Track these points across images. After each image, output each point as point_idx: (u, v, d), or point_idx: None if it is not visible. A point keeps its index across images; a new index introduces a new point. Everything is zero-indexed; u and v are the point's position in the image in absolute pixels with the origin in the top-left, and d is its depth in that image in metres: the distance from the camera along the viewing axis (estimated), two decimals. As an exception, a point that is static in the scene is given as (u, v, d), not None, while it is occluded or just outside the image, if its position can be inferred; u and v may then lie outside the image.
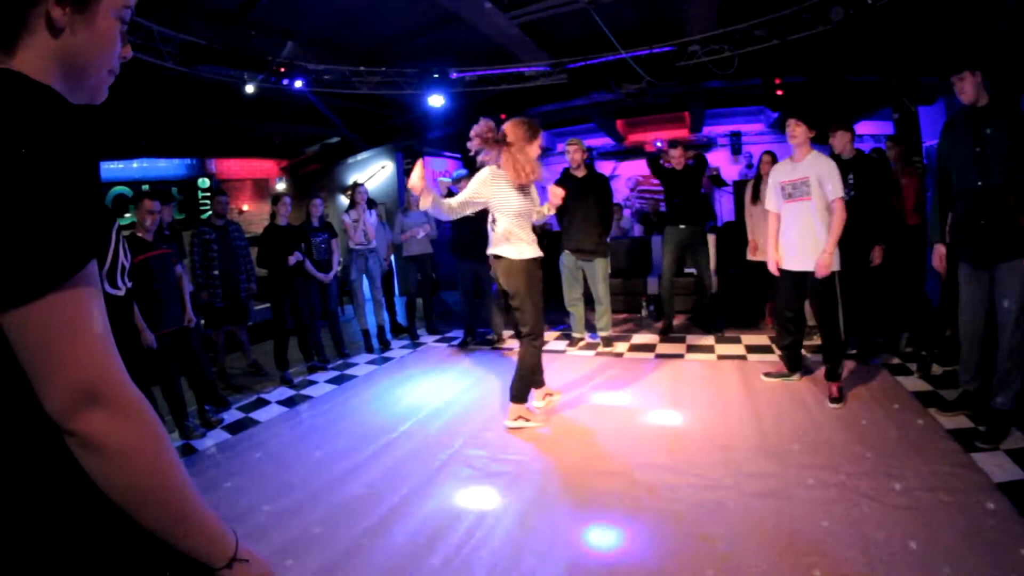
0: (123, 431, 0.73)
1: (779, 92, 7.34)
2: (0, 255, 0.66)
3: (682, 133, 11.76)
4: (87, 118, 0.79)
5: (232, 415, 4.82)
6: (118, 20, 0.87)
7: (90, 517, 0.77)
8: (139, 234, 4.15)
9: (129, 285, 0.93)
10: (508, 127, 3.65)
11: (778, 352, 4.70)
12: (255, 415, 4.78)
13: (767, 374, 4.53)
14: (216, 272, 5.50)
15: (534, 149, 3.68)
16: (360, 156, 10.89)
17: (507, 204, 3.67)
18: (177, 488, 0.79)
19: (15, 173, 0.66)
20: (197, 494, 0.83)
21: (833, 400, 3.89)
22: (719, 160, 11.98)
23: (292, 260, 5.56)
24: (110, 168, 9.05)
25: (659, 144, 11.97)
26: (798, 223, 3.95)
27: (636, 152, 12.82)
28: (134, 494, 0.75)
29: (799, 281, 4.01)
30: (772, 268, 4.13)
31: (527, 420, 3.98)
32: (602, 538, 2.63)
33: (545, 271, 3.92)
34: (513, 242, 3.72)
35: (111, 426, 0.72)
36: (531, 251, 3.76)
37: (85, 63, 0.84)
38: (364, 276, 6.61)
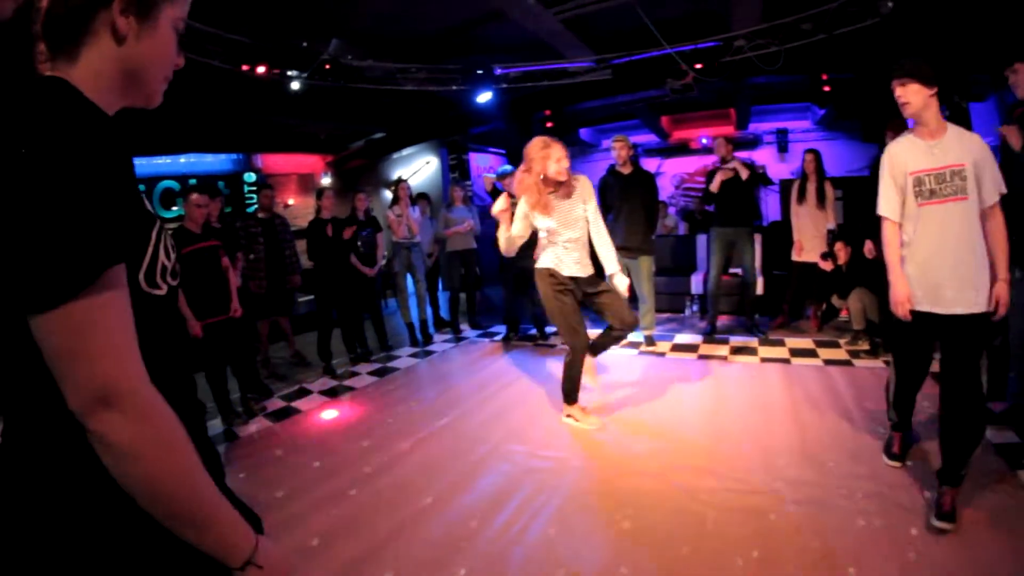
0: (137, 432, 0.75)
1: (826, 88, 7.14)
2: (22, 264, 0.70)
3: (728, 130, 11.50)
4: (121, 131, 0.82)
5: (274, 403, 4.93)
6: (175, 31, 0.92)
7: (112, 507, 0.79)
8: (187, 226, 4.28)
9: (172, 283, 0.95)
10: None
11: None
12: (297, 404, 4.88)
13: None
14: (262, 264, 5.64)
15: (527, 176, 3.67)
16: (405, 152, 10.97)
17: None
18: (191, 488, 0.81)
19: (40, 180, 0.69)
20: (216, 494, 0.84)
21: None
22: (765, 158, 11.71)
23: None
24: (157, 163, 9.36)
25: (704, 140, 11.79)
26: (947, 237, 2.52)
27: (681, 149, 12.63)
28: (148, 491, 0.77)
29: (940, 328, 2.58)
30: (903, 311, 2.61)
31: (575, 420, 3.98)
32: (637, 539, 2.59)
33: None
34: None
35: (125, 427, 0.75)
36: (541, 260, 3.84)
37: (145, 70, 0.89)
38: (407, 270, 6.67)
